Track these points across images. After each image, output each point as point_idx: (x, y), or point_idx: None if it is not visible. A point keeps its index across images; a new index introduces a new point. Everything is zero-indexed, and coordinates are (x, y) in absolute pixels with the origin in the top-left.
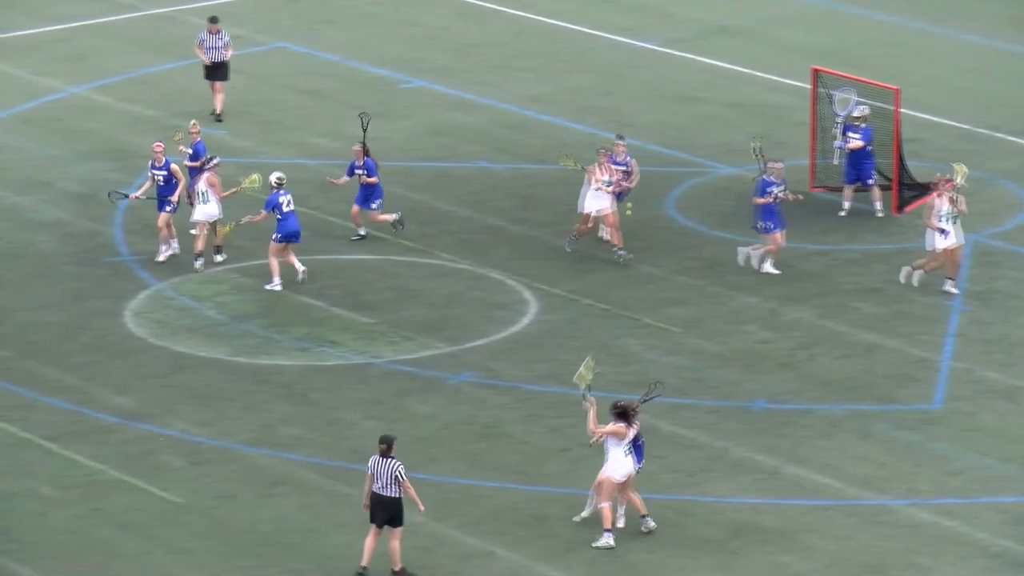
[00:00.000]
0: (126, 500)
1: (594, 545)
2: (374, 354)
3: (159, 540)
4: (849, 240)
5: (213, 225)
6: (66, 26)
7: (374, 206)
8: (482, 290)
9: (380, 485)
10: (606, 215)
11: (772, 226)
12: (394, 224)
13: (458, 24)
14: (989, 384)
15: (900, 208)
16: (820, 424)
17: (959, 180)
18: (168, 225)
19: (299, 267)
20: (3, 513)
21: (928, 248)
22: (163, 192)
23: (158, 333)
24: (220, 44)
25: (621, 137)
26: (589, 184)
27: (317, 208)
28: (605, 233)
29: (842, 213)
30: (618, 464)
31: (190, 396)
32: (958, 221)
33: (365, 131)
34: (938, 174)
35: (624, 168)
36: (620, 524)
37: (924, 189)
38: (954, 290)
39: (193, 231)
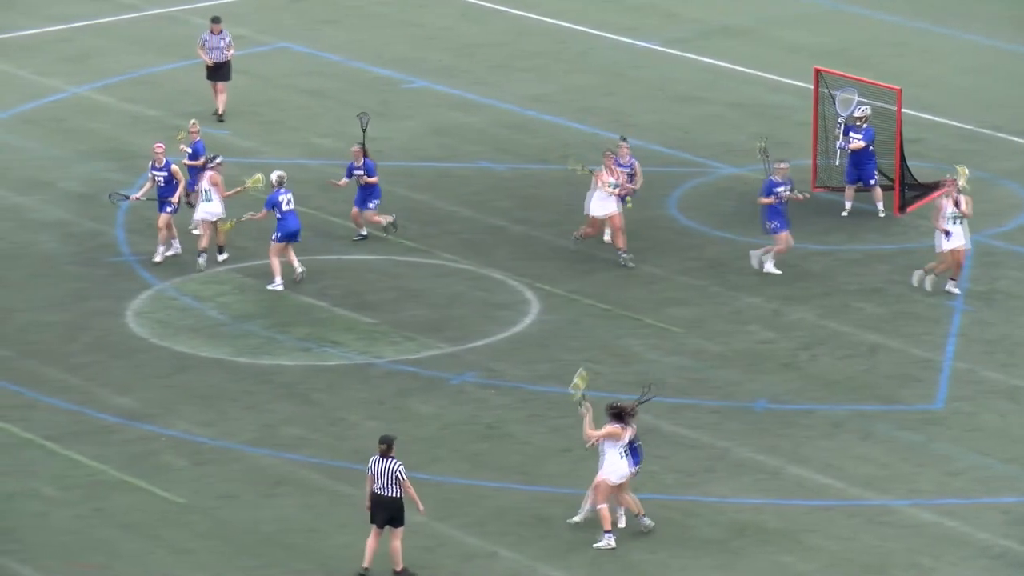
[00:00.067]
0: (128, 500)
1: (595, 546)
2: (376, 354)
3: (161, 540)
4: (851, 240)
5: (215, 224)
6: (68, 26)
7: (371, 205)
8: (484, 290)
9: (380, 486)
10: (612, 217)
11: (778, 226)
12: (386, 228)
13: (460, 24)
14: (991, 384)
15: (902, 208)
16: (822, 424)
17: (961, 182)
18: (169, 226)
19: (298, 266)
20: (5, 513)
21: (937, 250)
22: (164, 193)
23: (160, 333)
24: (222, 44)
25: (624, 139)
26: (596, 187)
27: (319, 208)
28: (608, 236)
29: (844, 213)
30: (614, 466)
31: (192, 396)
32: (963, 222)
33: (364, 131)
34: (947, 175)
35: (628, 170)
36: (621, 524)
37: (926, 189)
38: (956, 290)
39: (195, 231)
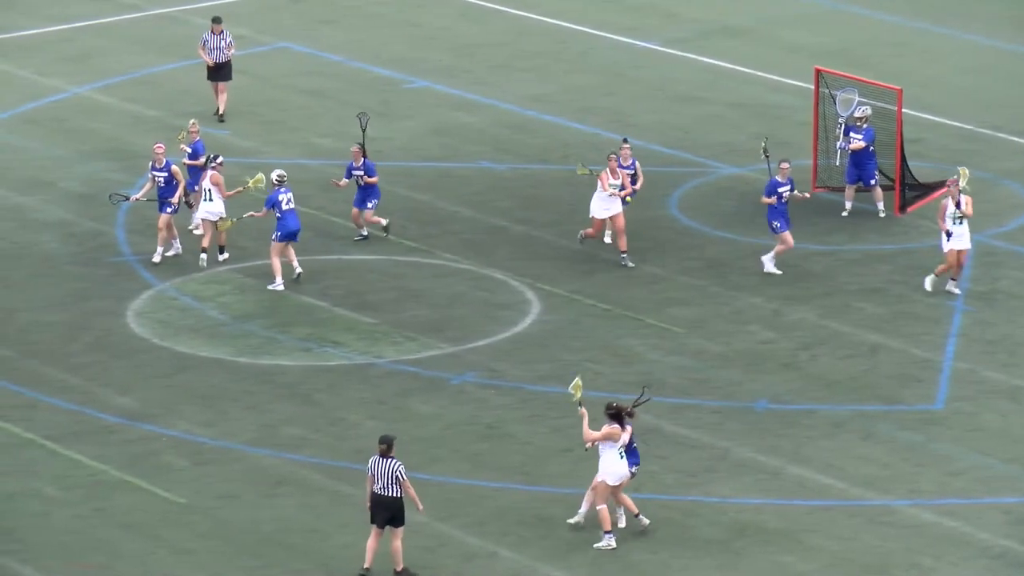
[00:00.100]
0: (128, 500)
1: (596, 546)
2: (377, 354)
3: (161, 540)
4: (852, 240)
5: (215, 223)
6: (69, 26)
7: (370, 205)
8: (485, 290)
9: (380, 486)
10: (615, 218)
11: (780, 226)
12: (384, 228)
13: (460, 24)
14: (992, 384)
15: (902, 208)
16: (823, 424)
17: (962, 183)
18: (169, 226)
19: (296, 266)
20: (6, 513)
21: (944, 250)
22: (164, 193)
23: (161, 333)
24: (223, 44)
25: (626, 140)
26: (600, 189)
27: (320, 208)
28: (609, 237)
29: (844, 213)
30: (612, 467)
31: (193, 396)
32: (964, 223)
33: (364, 131)
34: (952, 176)
35: (631, 172)
36: (621, 524)
37: (926, 189)
38: (956, 290)
39: (196, 231)
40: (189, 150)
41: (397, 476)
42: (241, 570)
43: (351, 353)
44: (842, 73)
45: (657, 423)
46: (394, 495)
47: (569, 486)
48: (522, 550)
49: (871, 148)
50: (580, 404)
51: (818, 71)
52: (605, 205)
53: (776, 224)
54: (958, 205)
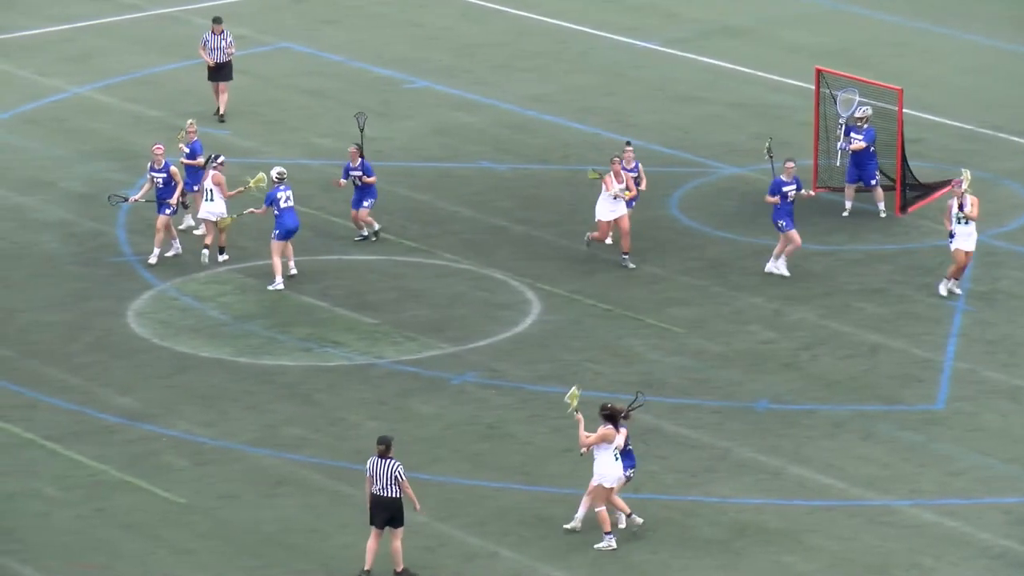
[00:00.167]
0: (129, 500)
1: (596, 547)
2: (377, 354)
3: (162, 540)
4: (852, 240)
5: (216, 223)
6: (70, 26)
7: (366, 204)
8: (485, 290)
9: (379, 487)
10: (620, 219)
11: (785, 224)
12: (375, 232)
13: (461, 24)
14: (992, 384)
15: (903, 208)
16: (823, 424)
17: (964, 185)
18: (168, 227)
19: (292, 267)
20: (6, 513)
21: (952, 250)
22: (162, 194)
23: (161, 333)
24: (223, 45)
25: (629, 143)
26: (605, 191)
27: (320, 208)
28: (610, 239)
29: (845, 213)
30: (607, 469)
31: (193, 396)
32: (970, 224)
33: (362, 132)
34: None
35: (634, 174)
36: (621, 525)
37: (927, 189)
38: (957, 291)
39: (196, 231)
40: (187, 150)
41: (396, 477)
42: (241, 570)
43: (351, 353)
44: (843, 73)
45: (657, 423)
46: (393, 496)
47: (569, 486)
48: (523, 550)
49: (872, 148)
50: (576, 411)
51: (819, 71)
52: (610, 208)
53: (782, 223)
54: (961, 207)
